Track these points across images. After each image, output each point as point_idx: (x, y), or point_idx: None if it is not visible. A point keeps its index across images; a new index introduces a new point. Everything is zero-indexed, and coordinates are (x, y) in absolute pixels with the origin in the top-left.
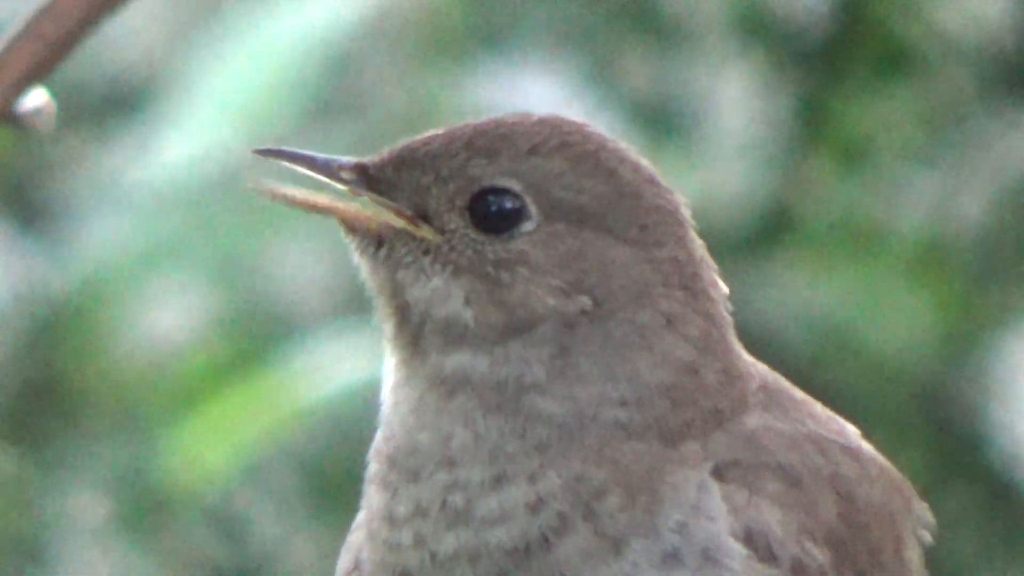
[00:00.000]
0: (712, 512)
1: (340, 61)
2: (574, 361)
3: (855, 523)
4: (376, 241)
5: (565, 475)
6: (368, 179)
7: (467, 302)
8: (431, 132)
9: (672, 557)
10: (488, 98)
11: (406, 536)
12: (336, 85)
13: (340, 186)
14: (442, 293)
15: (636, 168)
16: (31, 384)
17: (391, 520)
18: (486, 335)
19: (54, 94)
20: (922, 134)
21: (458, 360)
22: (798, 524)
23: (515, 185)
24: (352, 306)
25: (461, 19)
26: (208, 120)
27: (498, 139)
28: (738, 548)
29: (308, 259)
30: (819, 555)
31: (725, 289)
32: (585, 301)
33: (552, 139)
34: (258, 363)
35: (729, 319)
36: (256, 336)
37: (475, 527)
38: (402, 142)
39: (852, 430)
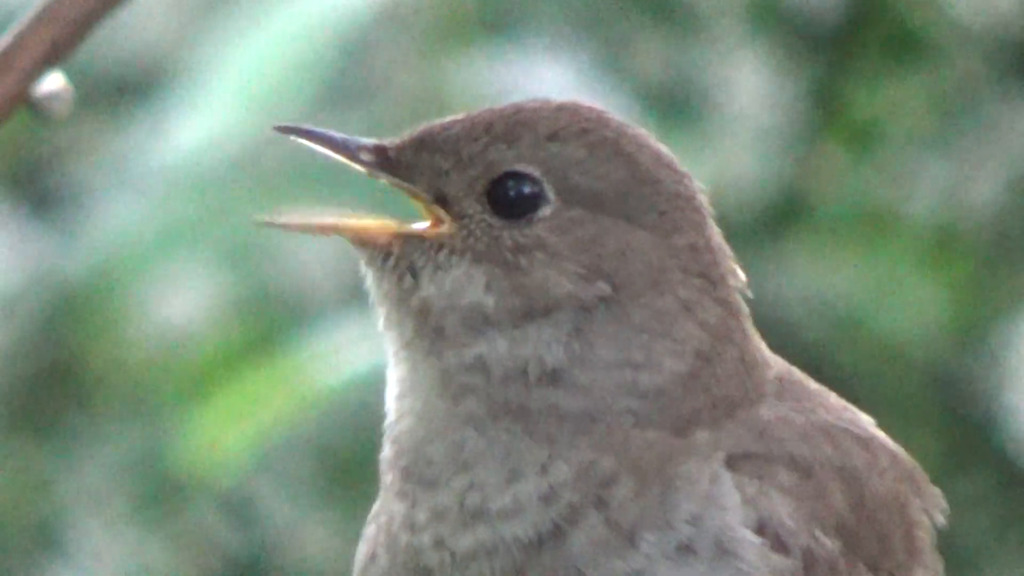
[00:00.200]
0: (725, 503)
1: (353, 45)
2: (591, 346)
3: (865, 512)
4: (384, 253)
5: (575, 464)
6: (387, 161)
7: (488, 288)
8: (451, 116)
9: (686, 549)
10: (500, 83)
11: (426, 539)
12: (349, 69)
13: (359, 167)
14: (463, 281)
15: (655, 154)
16: (45, 369)
17: (412, 527)
18: (505, 321)
19: (70, 78)
20: (934, 119)
21: (478, 349)
22: (809, 514)
23: (534, 170)
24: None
25: (474, 4)
26: (222, 104)
27: (518, 125)
28: (752, 538)
29: (322, 243)
30: (830, 544)
31: (743, 277)
32: (603, 287)
33: (572, 125)
34: (271, 348)
35: (746, 307)
36: (270, 321)
37: (492, 523)
38: (422, 125)
39: (865, 419)
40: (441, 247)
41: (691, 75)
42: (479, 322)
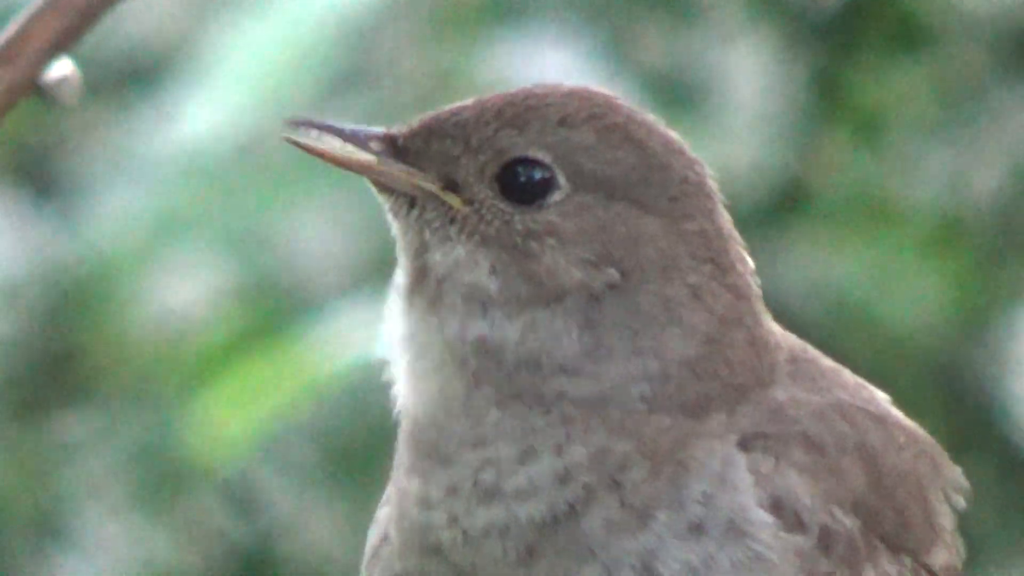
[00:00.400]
0: (738, 483)
1: (359, 32)
2: (601, 333)
3: (883, 490)
4: (409, 202)
5: (591, 447)
6: (396, 149)
7: (493, 272)
8: (460, 103)
9: (697, 528)
10: (504, 70)
11: (439, 516)
12: (355, 56)
13: (368, 156)
14: (467, 262)
15: (665, 140)
16: (47, 357)
17: (426, 503)
18: (509, 306)
19: (76, 66)
20: (937, 108)
21: (481, 327)
22: (826, 492)
23: (545, 156)
24: (369, 278)
25: None
26: (227, 92)
27: (528, 110)
28: (765, 518)
29: (325, 230)
30: (847, 522)
31: (752, 263)
32: (612, 274)
33: (582, 111)
34: (274, 336)
35: (757, 291)
36: (272, 308)
37: (506, 502)
38: (431, 112)
39: (882, 396)
40: (454, 220)
41: (693, 63)
42: (479, 302)
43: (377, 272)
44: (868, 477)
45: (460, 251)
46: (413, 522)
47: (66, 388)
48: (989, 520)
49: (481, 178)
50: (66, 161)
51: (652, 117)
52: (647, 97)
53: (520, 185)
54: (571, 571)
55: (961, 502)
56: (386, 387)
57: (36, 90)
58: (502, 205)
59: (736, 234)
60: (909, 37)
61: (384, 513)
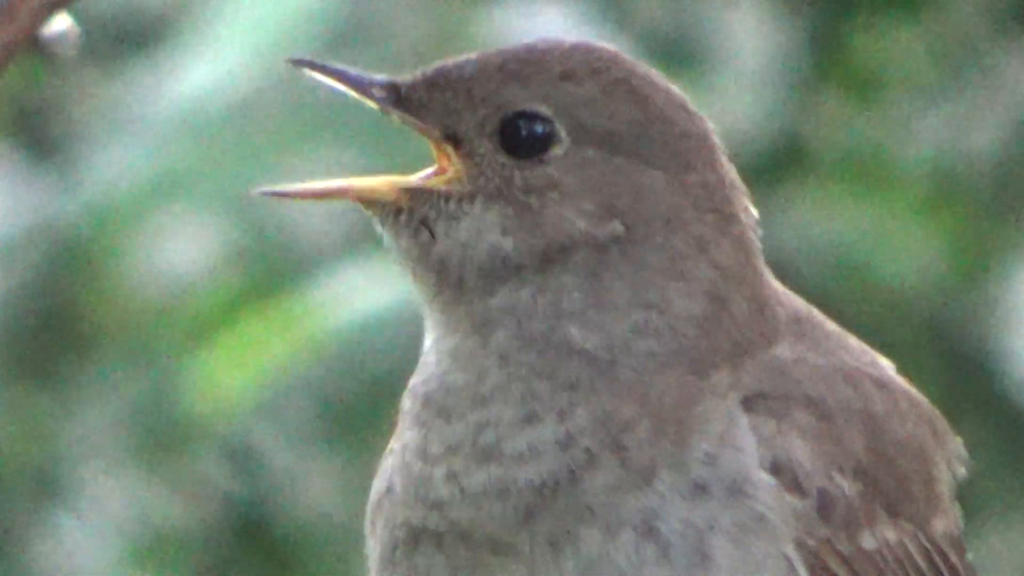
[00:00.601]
0: (740, 443)
1: None
2: (606, 287)
3: (884, 456)
4: (395, 209)
5: (595, 412)
6: (399, 98)
7: (504, 231)
8: (464, 56)
9: (700, 488)
10: (504, 28)
11: (438, 472)
12: (353, 14)
13: (371, 103)
14: (477, 227)
15: (667, 94)
16: (45, 316)
17: (424, 456)
18: (527, 263)
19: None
20: (933, 67)
21: (503, 296)
22: (826, 456)
23: (546, 110)
24: (366, 237)
25: None
26: (225, 50)
27: (531, 64)
28: (766, 479)
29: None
30: (847, 487)
31: (755, 214)
32: (617, 226)
33: (584, 65)
34: (273, 294)
35: (759, 244)
36: (270, 267)
37: (505, 464)
38: (435, 64)
39: (885, 363)
40: (450, 197)
41: (692, 22)
42: (500, 268)
43: (374, 231)
44: (870, 443)
45: (468, 221)
46: (414, 475)
47: (63, 347)
48: (987, 478)
49: (482, 132)
50: (64, 119)
51: (654, 71)
52: (646, 56)
53: (521, 139)
54: (571, 530)
55: (962, 472)
56: (383, 345)
57: (34, 45)
58: (503, 159)
59: (741, 184)
60: None
61: (387, 464)
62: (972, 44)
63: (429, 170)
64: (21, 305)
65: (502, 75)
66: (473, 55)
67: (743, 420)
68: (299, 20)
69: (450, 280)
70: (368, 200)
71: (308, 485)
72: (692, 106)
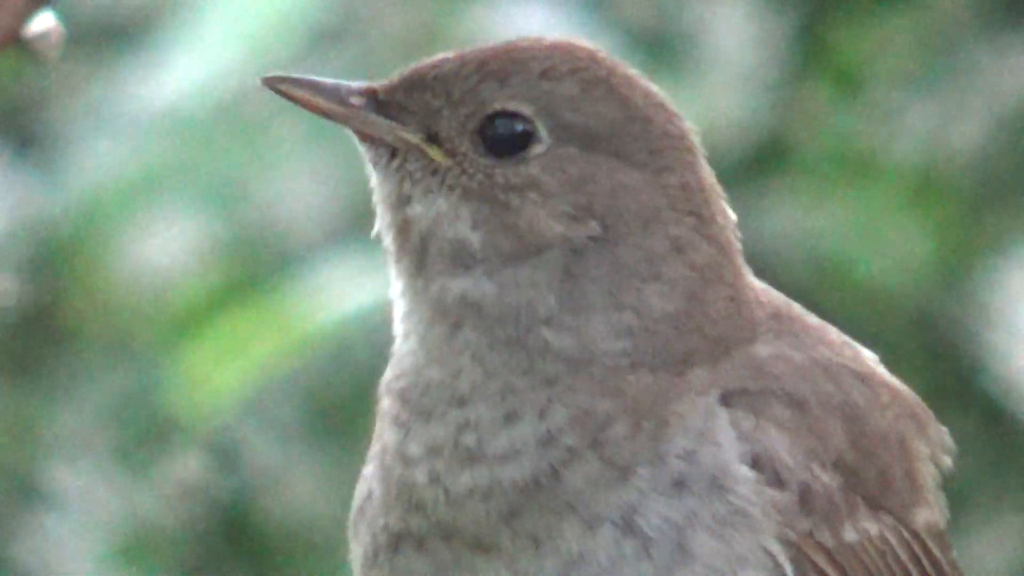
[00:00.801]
0: (719, 439)
1: None
2: (582, 288)
3: (865, 449)
4: (390, 152)
5: (573, 409)
6: (377, 103)
7: (475, 225)
8: (442, 55)
9: (680, 484)
10: (487, 26)
11: (420, 474)
12: (337, 13)
13: (348, 112)
14: (448, 215)
15: (647, 94)
16: (30, 313)
17: (404, 459)
18: (492, 260)
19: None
20: (917, 62)
21: (463, 285)
22: (806, 449)
23: (526, 109)
24: (351, 232)
25: None
26: (210, 47)
27: (510, 63)
28: (746, 473)
29: (306, 185)
30: (828, 480)
31: (734, 216)
32: (594, 226)
33: (564, 64)
34: (256, 290)
35: (738, 245)
36: (254, 263)
37: (488, 465)
38: (412, 65)
39: (868, 355)
40: (436, 171)
41: (676, 18)
42: (463, 258)
43: (358, 226)
44: (850, 435)
45: (442, 203)
46: (395, 478)
47: (47, 344)
48: (971, 474)
49: (463, 131)
50: (48, 115)
51: (634, 71)
52: (630, 52)
53: (501, 138)
54: (552, 527)
55: (947, 462)
56: (369, 341)
57: (18, 43)
58: (483, 158)
59: (718, 187)
60: None
61: (370, 470)
62: (956, 38)
63: None
64: (4, 301)
65: (481, 74)
66: (450, 54)
67: (722, 415)
68: (282, 18)
69: (411, 244)
70: (368, 132)
71: (293, 483)
72: (672, 106)
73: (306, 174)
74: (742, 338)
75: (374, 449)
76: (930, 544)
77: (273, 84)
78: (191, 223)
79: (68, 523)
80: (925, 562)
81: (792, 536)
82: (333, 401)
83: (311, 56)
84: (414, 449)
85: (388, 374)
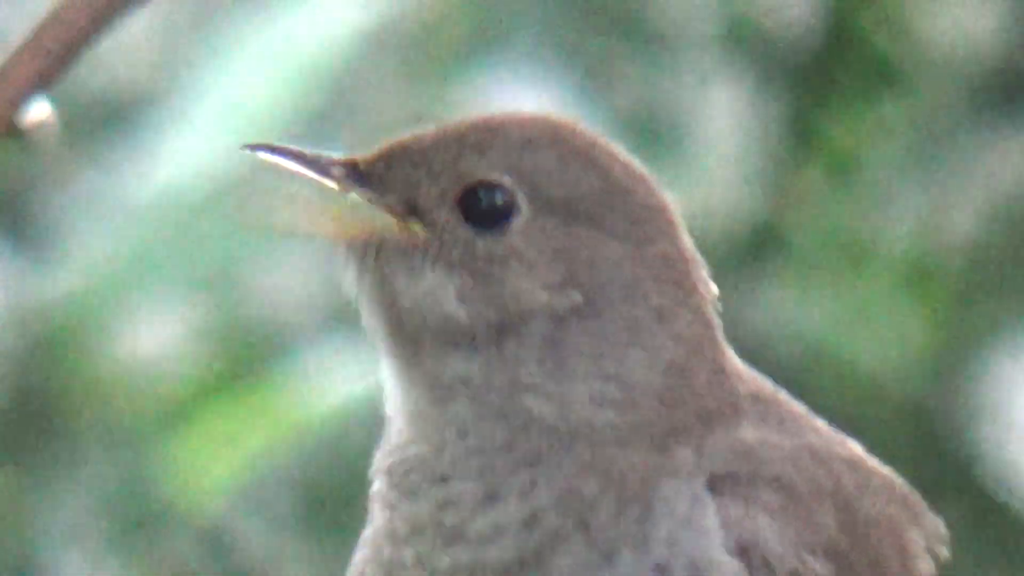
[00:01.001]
0: (704, 526)
1: (335, 74)
2: (564, 357)
3: (856, 535)
4: (362, 248)
5: (558, 487)
6: (358, 175)
7: (461, 299)
8: (422, 128)
9: (661, 569)
10: (480, 106)
11: (408, 555)
12: (332, 95)
13: (330, 183)
14: (435, 291)
15: (627, 166)
16: (23, 399)
17: (392, 538)
18: (480, 334)
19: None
20: (910, 149)
21: (453, 359)
22: (796, 537)
23: (506, 180)
24: (344, 320)
25: (454, 29)
26: (203, 133)
27: (489, 134)
28: (730, 562)
29: (298, 272)
30: (819, 568)
31: (715, 289)
32: (576, 296)
33: (544, 135)
34: (250, 378)
35: (718, 319)
36: (248, 350)
37: (471, 546)
38: (393, 138)
39: (854, 444)
40: (415, 251)
41: (667, 103)
42: (452, 335)
43: (351, 313)
44: (841, 522)
45: (428, 281)
46: (384, 559)
47: (41, 431)
48: (965, 565)
49: (443, 203)
50: (41, 202)
51: (613, 143)
52: (621, 137)
53: (481, 209)
54: None
55: (943, 552)
56: (362, 428)
57: (13, 131)
58: (464, 230)
59: (699, 258)
60: (883, 78)
61: (361, 556)
62: (949, 125)
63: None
64: None
65: (460, 145)
66: (431, 127)
67: (709, 502)
68: (276, 101)
69: (405, 334)
70: (338, 237)
71: (286, 571)
72: (652, 179)
73: (297, 261)
74: (726, 414)
75: (366, 533)
76: None
77: (256, 151)
78: (185, 310)
79: None
80: None
81: None
82: (326, 489)
83: (303, 142)
84: (401, 528)
85: (379, 453)
